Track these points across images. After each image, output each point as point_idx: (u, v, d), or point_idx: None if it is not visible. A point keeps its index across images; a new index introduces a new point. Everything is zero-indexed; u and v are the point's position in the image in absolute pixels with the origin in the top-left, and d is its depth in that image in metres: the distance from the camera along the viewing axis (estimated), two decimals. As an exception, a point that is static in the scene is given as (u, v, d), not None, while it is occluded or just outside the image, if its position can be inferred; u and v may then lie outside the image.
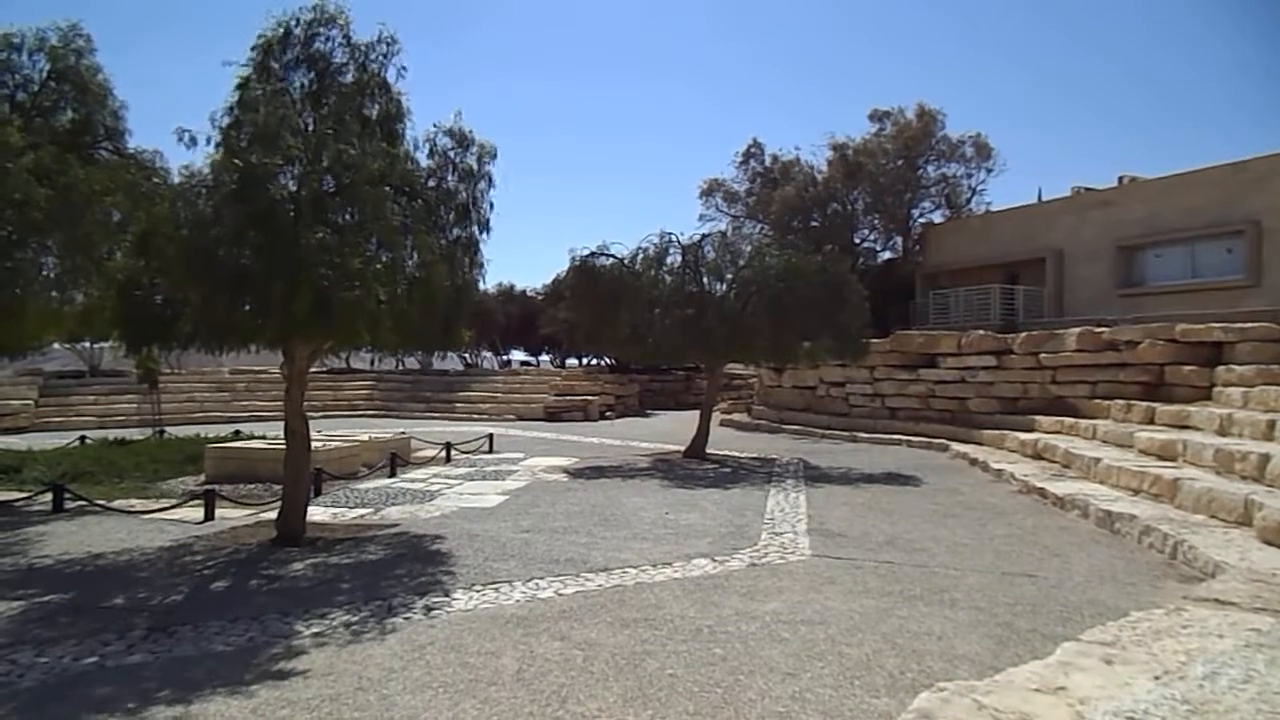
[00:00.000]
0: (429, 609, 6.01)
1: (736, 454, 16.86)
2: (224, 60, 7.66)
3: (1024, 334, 17.92)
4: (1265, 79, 68.58)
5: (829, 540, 8.39)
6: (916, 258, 29.63)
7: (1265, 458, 8.58)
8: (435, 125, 8.40)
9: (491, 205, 8.56)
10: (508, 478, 13.32)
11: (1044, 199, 26.39)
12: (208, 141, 7.38)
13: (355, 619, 5.81)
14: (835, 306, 15.50)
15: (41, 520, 9.62)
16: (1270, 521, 6.98)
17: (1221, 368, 13.52)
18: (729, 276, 16.34)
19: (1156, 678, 3.46)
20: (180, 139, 7.35)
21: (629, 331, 15.77)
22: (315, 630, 5.56)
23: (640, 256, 16.39)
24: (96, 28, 9.57)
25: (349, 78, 8.01)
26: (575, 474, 13.88)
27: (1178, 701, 2.88)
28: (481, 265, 8.72)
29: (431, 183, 8.31)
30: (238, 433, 19.02)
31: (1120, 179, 24.46)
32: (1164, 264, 22.18)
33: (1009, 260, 25.52)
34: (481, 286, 9.57)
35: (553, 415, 27.95)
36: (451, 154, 8.39)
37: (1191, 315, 15.93)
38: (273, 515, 8.91)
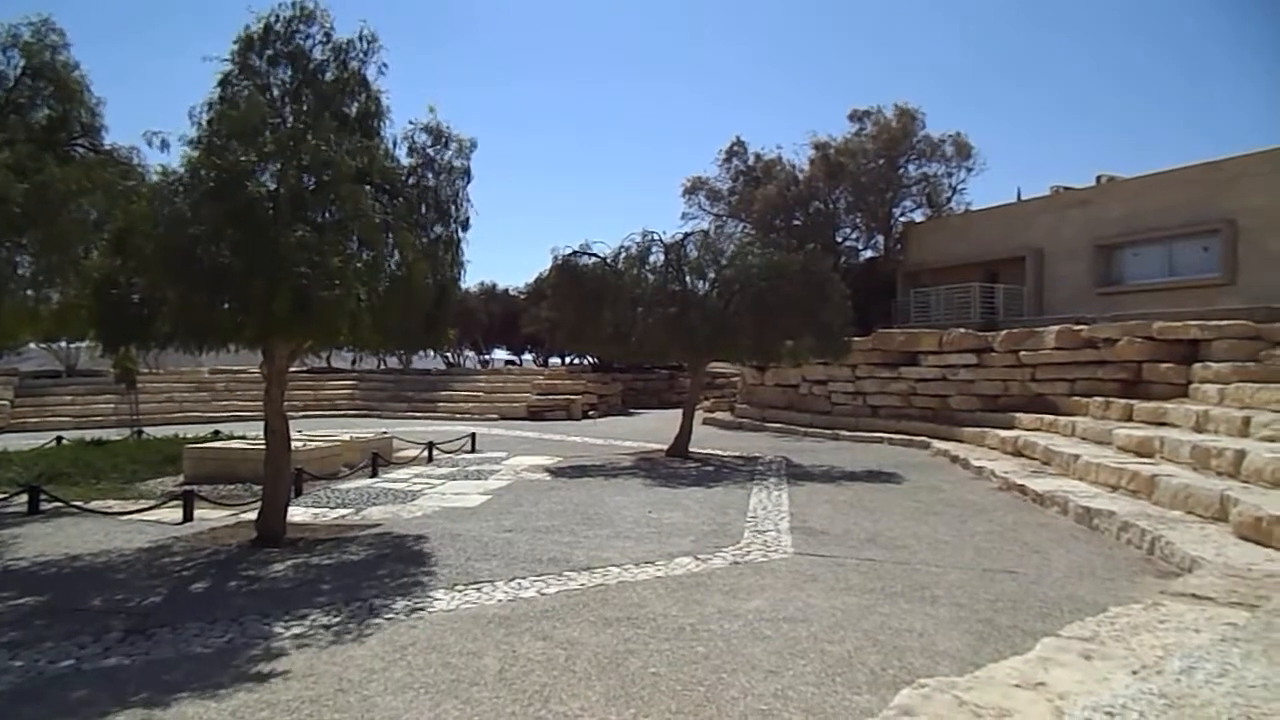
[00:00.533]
0: (410, 609, 5.99)
1: (719, 452, 16.88)
2: (204, 56, 7.63)
3: (1004, 332, 18.04)
4: (1244, 77, 69.43)
5: (811, 538, 8.42)
6: (898, 256, 29.80)
7: (1241, 454, 8.69)
8: (412, 123, 8.37)
9: (470, 202, 8.54)
10: (490, 477, 13.27)
11: (1023, 198, 26.60)
12: (181, 140, 7.33)
13: (336, 620, 5.77)
14: (817, 305, 15.54)
15: (17, 522, 9.50)
16: (1245, 517, 7.07)
17: (1198, 365, 13.66)
18: (712, 275, 16.34)
19: (1134, 672, 3.49)
20: (150, 143, 7.31)
21: (612, 330, 15.75)
22: (295, 631, 5.52)
23: (623, 255, 16.38)
24: (75, 23, 9.44)
25: (329, 75, 7.96)
26: (558, 473, 13.85)
27: (1155, 696, 2.91)
28: (462, 264, 8.70)
29: (411, 180, 8.27)
30: (217, 433, 18.88)
31: (1098, 178, 24.69)
32: (1141, 263, 22.41)
33: (989, 259, 25.69)
34: (463, 285, 9.53)
35: (536, 414, 27.89)
36: (431, 151, 8.35)
37: (1169, 313, 16.09)
38: (252, 516, 8.84)
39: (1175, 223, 20.94)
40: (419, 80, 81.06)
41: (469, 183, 8.49)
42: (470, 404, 30.07)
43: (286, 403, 8.87)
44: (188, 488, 10.80)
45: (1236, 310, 15.59)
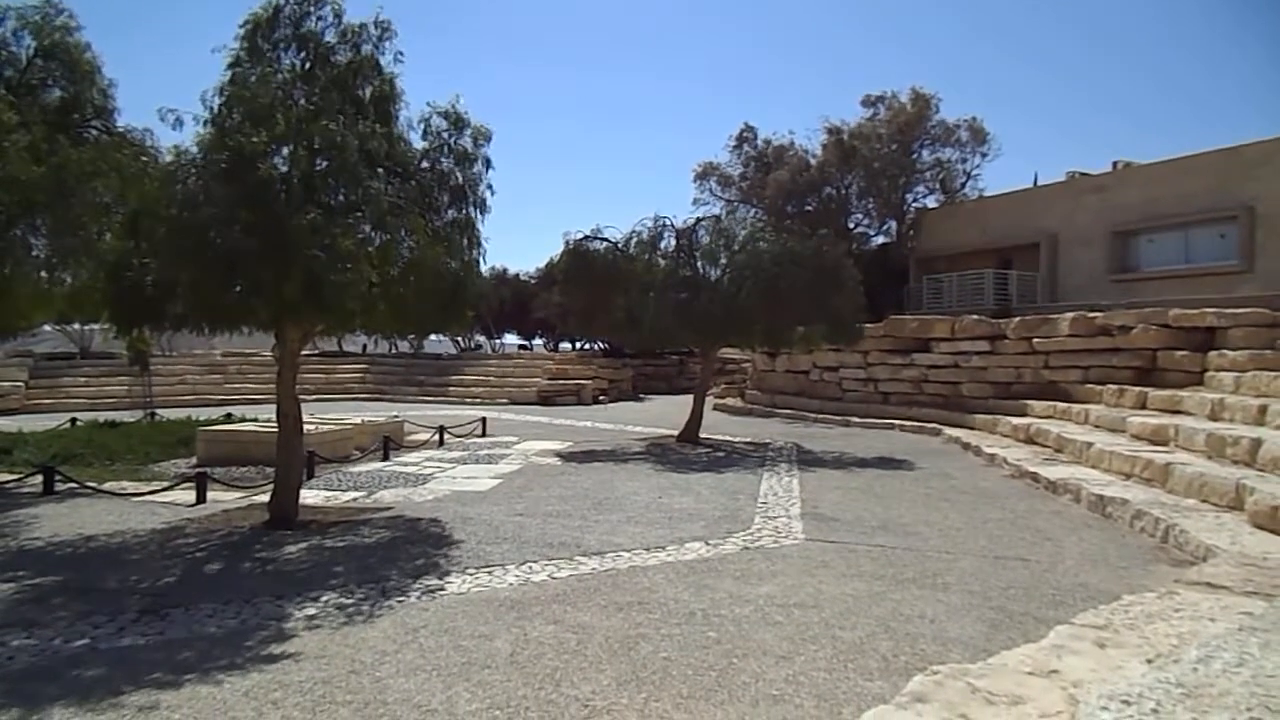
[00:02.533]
0: (422, 592, 6.00)
1: (730, 438, 16.87)
2: (214, 48, 7.60)
3: (1017, 319, 17.93)
4: (1261, 63, 68.56)
5: (822, 524, 8.40)
6: (910, 242, 29.58)
7: (1257, 442, 8.61)
8: (429, 105, 8.33)
9: (490, 187, 8.51)
10: (501, 461, 13.30)
11: (1039, 184, 26.36)
12: (195, 120, 7.33)
13: (348, 602, 5.79)
14: (829, 291, 15.46)
15: (31, 502, 9.57)
16: (1262, 506, 7.01)
17: (1214, 353, 13.54)
18: (723, 260, 16.26)
19: (1149, 661, 3.46)
20: (163, 119, 7.29)
21: (623, 316, 15.72)
22: (308, 613, 5.54)
23: (634, 240, 16.33)
24: (88, 7, 9.43)
25: (341, 58, 7.92)
26: (568, 458, 13.87)
27: (1172, 684, 2.88)
28: (481, 245, 8.68)
29: (425, 164, 8.25)
30: (229, 415, 18.95)
31: (1114, 164, 24.45)
32: (1158, 249, 22.20)
33: (1003, 245, 25.51)
34: (481, 268, 9.51)
35: (546, 399, 27.92)
36: (446, 135, 8.31)
37: (1185, 300, 15.95)
38: (265, 498, 8.89)
39: (1192, 209, 20.73)
40: (428, 65, 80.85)
41: (488, 169, 8.46)
42: (481, 388, 30.13)
43: (298, 386, 8.89)
44: (201, 470, 10.84)
45: (1254, 298, 15.45)
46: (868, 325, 18.16)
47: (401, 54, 8.14)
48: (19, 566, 6.78)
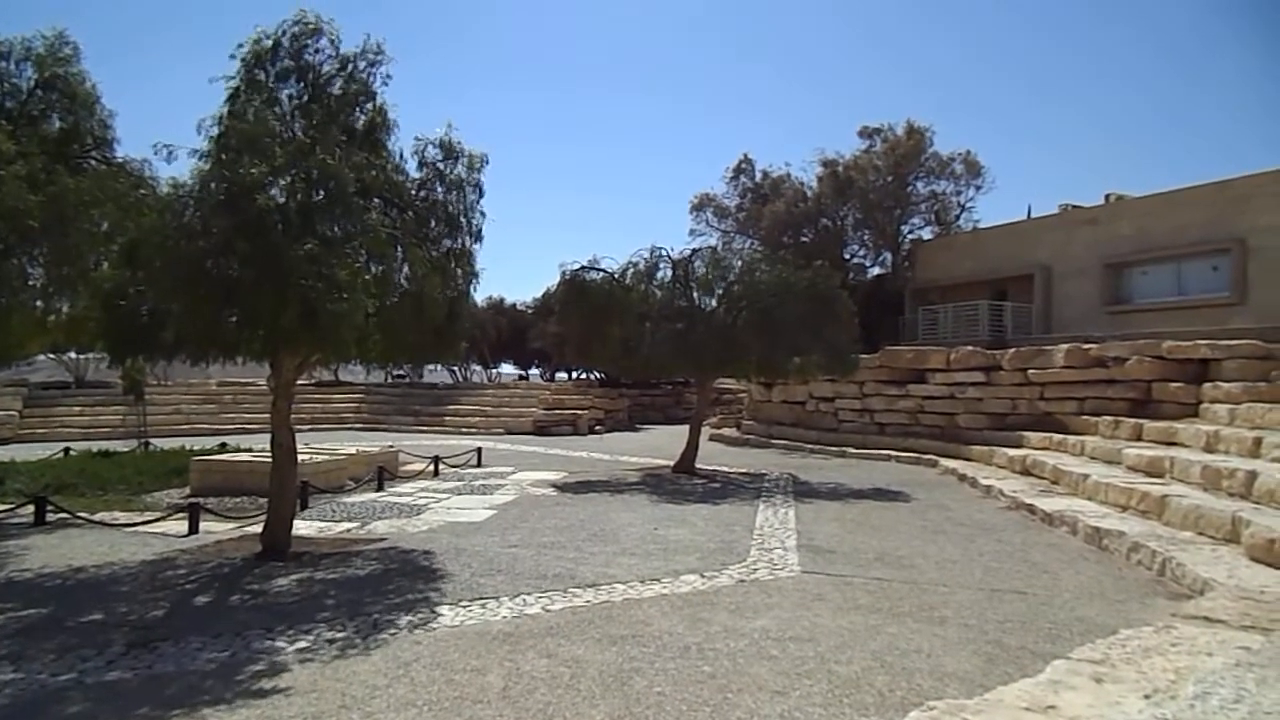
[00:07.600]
0: (415, 625, 5.95)
1: (726, 469, 16.81)
2: (211, 78, 7.66)
3: (1012, 350, 17.96)
4: (1257, 94, 69.43)
5: (818, 556, 8.35)
6: (906, 274, 29.75)
7: (1252, 475, 8.60)
8: (418, 138, 8.40)
9: (483, 214, 8.56)
10: (496, 492, 13.24)
11: (1032, 216, 26.56)
12: (191, 154, 7.36)
13: (340, 635, 5.74)
14: (825, 322, 15.51)
15: (22, 533, 9.50)
16: (1258, 539, 6.99)
17: (1208, 385, 13.57)
18: (719, 291, 16.32)
19: (1147, 696, 3.43)
20: (157, 152, 7.35)
21: (619, 346, 15.73)
22: (299, 646, 5.48)
23: (631, 271, 16.36)
24: (85, 34, 9.51)
25: (337, 88, 7.99)
26: (564, 488, 13.81)
27: (1169, 721, 2.86)
28: (475, 275, 8.71)
29: (421, 194, 8.29)
30: (224, 445, 18.89)
31: (1107, 197, 24.65)
32: (1151, 281, 22.32)
33: (998, 277, 25.64)
34: (474, 297, 9.54)
35: (542, 429, 27.85)
36: (441, 165, 8.37)
37: (1178, 333, 16.01)
38: (258, 529, 8.83)
39: (1185, 242, 20.87)
40: (423, 90, 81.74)
41: (480, 197, 8.51)
42: (477, 419, 30.06)
43: (293, 416, 8.87)
44: (193, 500, 10.79)
45: (1247, 330, 15.51)
46: (863, 356, 18.18)
47: (390, 76, 8.20)
48: (6, 599, 6.72)
